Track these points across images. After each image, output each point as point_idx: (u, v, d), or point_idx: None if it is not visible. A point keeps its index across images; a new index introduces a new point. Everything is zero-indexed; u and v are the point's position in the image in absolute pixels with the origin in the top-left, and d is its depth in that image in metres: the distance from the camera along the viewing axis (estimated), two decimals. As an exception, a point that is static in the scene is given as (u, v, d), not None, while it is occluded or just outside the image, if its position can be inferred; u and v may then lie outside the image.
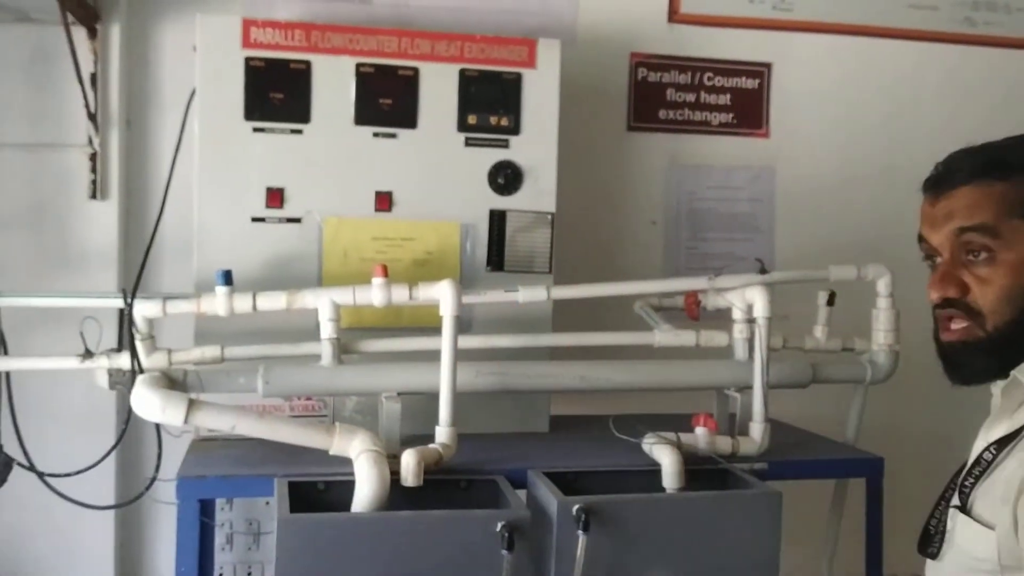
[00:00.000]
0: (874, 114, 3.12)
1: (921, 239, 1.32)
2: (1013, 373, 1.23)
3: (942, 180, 1.28)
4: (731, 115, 3.04)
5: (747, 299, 2.20)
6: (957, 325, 1.25)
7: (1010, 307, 1.20)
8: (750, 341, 2.22)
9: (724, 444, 2.08)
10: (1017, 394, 1.24)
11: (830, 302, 2.36)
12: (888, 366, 2.33)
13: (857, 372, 2.34)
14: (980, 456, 1.23)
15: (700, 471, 2.01)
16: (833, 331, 2.37)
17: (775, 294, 2.18)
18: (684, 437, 2.03)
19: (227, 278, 1.98)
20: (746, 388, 2.18)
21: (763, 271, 2.25)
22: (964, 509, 1.24)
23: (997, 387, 1.31)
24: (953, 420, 2.95)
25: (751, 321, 2.20)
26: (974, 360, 1.25)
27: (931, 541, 1.33)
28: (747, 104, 3.04)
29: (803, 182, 3.06)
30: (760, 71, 3.05)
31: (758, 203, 3.05)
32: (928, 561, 1.36)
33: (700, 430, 2.05)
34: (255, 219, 2.20)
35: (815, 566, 2.51)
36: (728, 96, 3.03)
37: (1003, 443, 1.21)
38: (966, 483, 1.25)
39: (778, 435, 2.20)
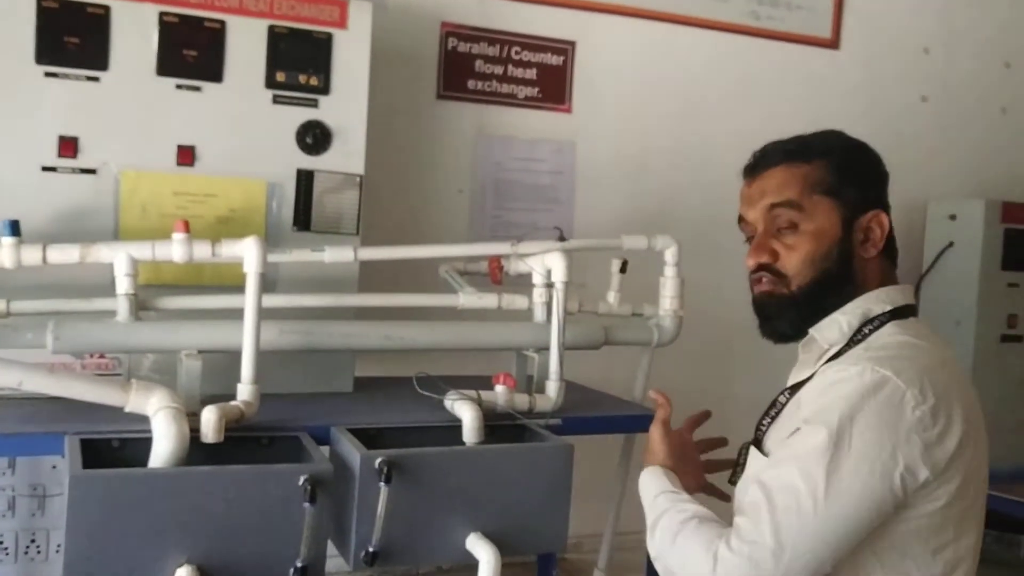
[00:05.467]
0: (668, 95, 3.32)
1: (741, 219, 1.49)
2: (811, 331, 1.41)
3: (757, 165, 1.46)
4: (536, 89, 3.15)
5: (546, 265, 2.31)
6: (765, 281, 1.42)
7: (811, 269, 1.38)
8: (548, 305, 2.32)
9: (522, 401, 2.18)
10: (814, 349, 1.43)
11: (622, 270, 2.53)
12: (673, 330, 2.51)
13: (645, 335, 2.51)
14: (776, 400, 1.43)
15: (499, 426, 2.11)
16: (625, 297, 2.53)
17: (573, 261, 2.30)
18: (484, 394, 2.11)
19: (14, 228, 1.89)
20: (543, 349, 2.29)
21: (562, 239, 2.36)
22: (758, 445, 1.43)
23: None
24: (732, 380, 3.22)
25: (550, 286, 2.30)
26: (781, 313, 1.42)
27: (734, 472, 1.51)
28: (552, 79, 3.16)
29: (601, 157, 3.22)
30: (564, 48, 3.17)
31: (559, 175, 3.18)
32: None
33: (499, 387, 2.14)
34: (45, 168, 2.09)
35: (604, 515, 2.68)
36: (534, 71, 3.14)
37: (794, 389, 1.41)
38: (762, 423, 1.44)
39: (573, 394, 2.33)
